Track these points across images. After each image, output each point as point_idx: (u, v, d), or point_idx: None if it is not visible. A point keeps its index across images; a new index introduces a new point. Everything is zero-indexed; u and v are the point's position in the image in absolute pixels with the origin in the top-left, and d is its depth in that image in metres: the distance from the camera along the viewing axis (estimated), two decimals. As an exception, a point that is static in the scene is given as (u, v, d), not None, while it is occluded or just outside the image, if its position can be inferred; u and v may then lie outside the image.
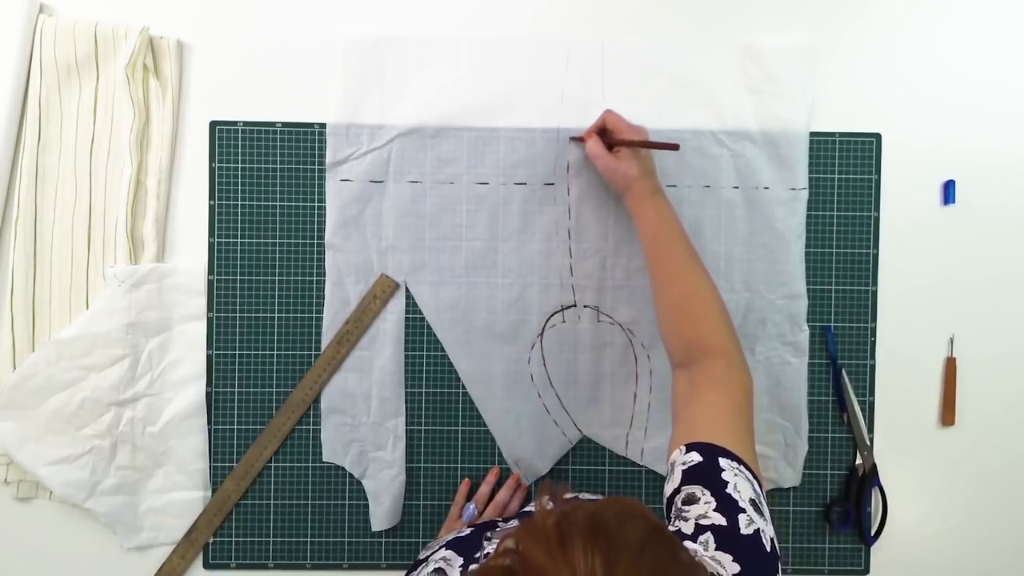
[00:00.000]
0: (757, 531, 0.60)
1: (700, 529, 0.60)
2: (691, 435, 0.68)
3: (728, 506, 0.61)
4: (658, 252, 0.84)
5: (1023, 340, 1.00)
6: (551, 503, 0.48)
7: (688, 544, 0.59)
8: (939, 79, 0.99)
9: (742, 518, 0.60)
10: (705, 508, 0.61)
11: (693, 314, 0.80)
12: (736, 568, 0.57)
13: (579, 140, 0.95)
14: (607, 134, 0.90)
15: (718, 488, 0.62)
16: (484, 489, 0.96)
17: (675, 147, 0.86)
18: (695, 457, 0.66)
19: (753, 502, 0.62)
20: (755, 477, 0.65)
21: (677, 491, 0.64)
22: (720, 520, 0.60)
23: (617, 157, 0.88)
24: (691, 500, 0.63)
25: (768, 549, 0.60)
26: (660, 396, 0.97)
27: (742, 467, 0.64)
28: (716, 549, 0.58)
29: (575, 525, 0.45)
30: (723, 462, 0.64)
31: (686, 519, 0.61)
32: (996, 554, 1.00)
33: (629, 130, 0.88)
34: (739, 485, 0.62)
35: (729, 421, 0.71)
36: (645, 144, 0.88)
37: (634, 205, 0.87)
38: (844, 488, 0.99)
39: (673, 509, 0.64)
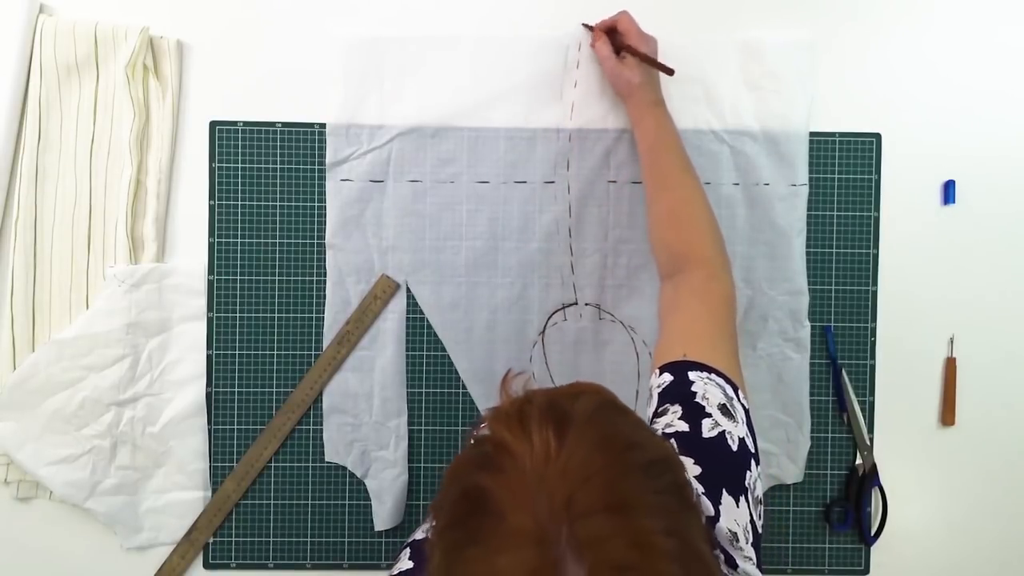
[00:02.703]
0: (722, 433, 0.63)
1: (665, 437, 0.63)
2: (665, 355, 0.71)
3: (693, 413, 0.64)
4: (653, 160, 0.87)
5: (1023, 340, 1.00)
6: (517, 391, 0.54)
7: None
8: (939, 79, 0.99)
9: (706, 423, 0.63)
10: (671, 418, 0.65)
11: (681, 223, 0.83)
12: (697, 470, 0.61)
13: (589, 28, 0.95)
14: (617, 35, 0.91)
15: (686, 398, 0.65)
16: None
17: (670, 71, 0.86)
18: (667, 378, 0.69)
19: (723, 407, 0.65)
20: (728, 382, 0.68)
21: (656, 414, 0.67)
22: (683, 427, 0.63)
23: (623, 62, 0.89)
24: (661, 413, 0.66)
25: (735, 448, 0.63)
26: (661, 395, 0.97)
27: (712, 375, 0.67)
28: (679, 454, 0.59)
29: (533, 405, 0.50)
30: (692, 375, 0.67)
31: (655, 431, 0.64)
32: (996, 554, 1.00)
33: (639, 37, 0.89)
34: (708, 392, 0.65)
35: (704, 331, 0.74)
36: (644, 57, 0.88)
37: (634, 112, 0.90)
38: (844, 488, 0.99)
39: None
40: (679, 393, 0.66)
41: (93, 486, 0.94)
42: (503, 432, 0.48)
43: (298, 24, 0.97)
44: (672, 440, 0.63)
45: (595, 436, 0.47)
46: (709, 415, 0.64)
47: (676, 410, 0.65)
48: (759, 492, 0.64)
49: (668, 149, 0.86)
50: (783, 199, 0.97)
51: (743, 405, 0.68)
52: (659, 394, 0.68)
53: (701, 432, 0.63)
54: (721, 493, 0.61)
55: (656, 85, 0.90)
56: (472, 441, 0.53)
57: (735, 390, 0.68)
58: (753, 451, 0.65)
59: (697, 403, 0.65)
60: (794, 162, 0.97)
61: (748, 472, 0.63)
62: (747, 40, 0.97)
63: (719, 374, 0.68)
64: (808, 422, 0.98)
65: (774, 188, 0.97)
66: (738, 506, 0.61)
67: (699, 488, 0.60)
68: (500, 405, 0.53)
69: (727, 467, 0.63)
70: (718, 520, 0.59)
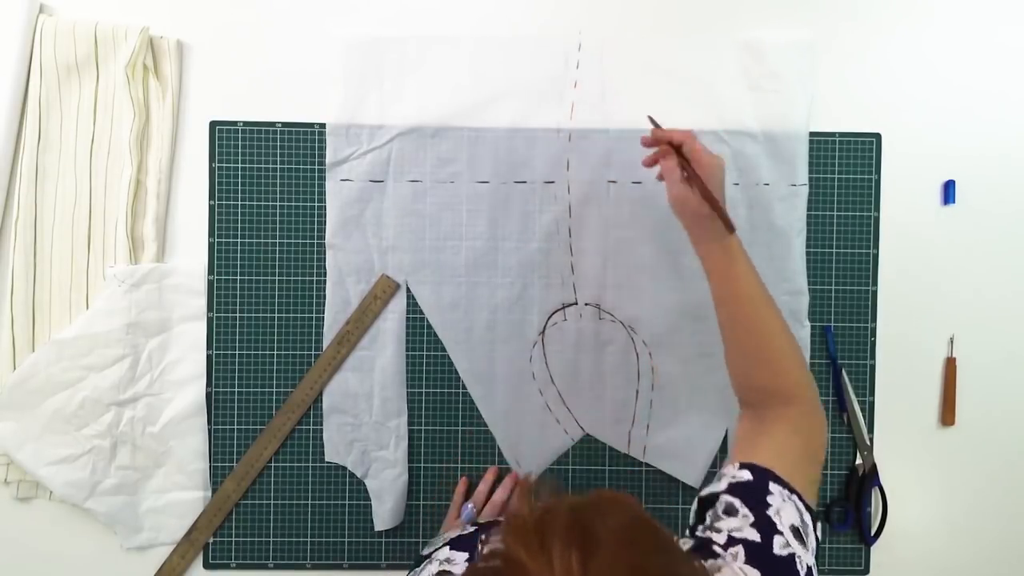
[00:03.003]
0: (792, 555, 0.59)
1: (732, 541, 0.60)
2: (749, 457, 0.67)
3: (766, 525, 0.60)
4: (731, 297, 0.77)
5: (1023, 340, 1.00)
6: (536, 498, 0.48)
7: (718, 550, 0.59)
8: (939, 79, 0.99)
9: (777, 539, 0.60)
10: (742, 523, 0.61)
11: (771, 361, 0.76)
12: None
13: (654, 123, 0.84)
14: (681, 154, 0.80)
15: (760, 507, 0.61)
16: (482, 488, 0.96)
17: (731, 228, 0.77)
18: (746, 475, 0.65)
19: (795, 529, 0.61)
20: (808, 510, 0.64)
21: (717, 497, 0.63)
22: (754, 536, 0.60)
23: (690, 187, 0.78)
24: (730, 511, 0.62)
25: (802, 574, 0.59)
26: (662, 394, 0.97)
27: (794, 496, 0.63)
28: (745, 562, 0.58)
29: (556, 520, 0.45)
30: (773, 486, 0.63)
31: (719, 530, 0.61)
32: (996, 554, 1.00)
33: (706, 164, 0.78)
34: (783, 510, 0.61)
35: (795, 457, 0.69)
36: (712, 203, 0.76)
37: (702, 247, 0.80)
38: (844, 488, 0.99)
39: (709, 514, 0.63)
40: (754, 498, 0.62)
41: (93, 486, 0.94)
42: (519, 549, 0.44)
43: (298, 24, 0.97)
44: (740, 546, 0.59)
45: (624, 566, 0.43)
46: (780, 532, 0.60)
47: (747, 515, 0.61)
48: None
49: (748, 284, 0.77)
50: (783, 199, 0.97)
51: (816, 537, 0.64)
52: (731, 484, 0.64)
53: (772, 547, 0.59)
54: None
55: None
56: (483, 552, 0.48)
57: (812, 519, 0.64)
58: None
59: (770, 516, 0.61)
60: (794, 162, 0.97)
61: None
62: (747, 40, 0.97)
63: (800, 498, 0.65)
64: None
65: (774, 188, 0.97)
66: None
67: None
68: (516, 514, 0.47)
69: None
70: None
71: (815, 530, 0.64)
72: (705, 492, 0.65)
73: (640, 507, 0.49)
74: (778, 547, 0.59)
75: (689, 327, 0.97)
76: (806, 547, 0.61)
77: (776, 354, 0.76)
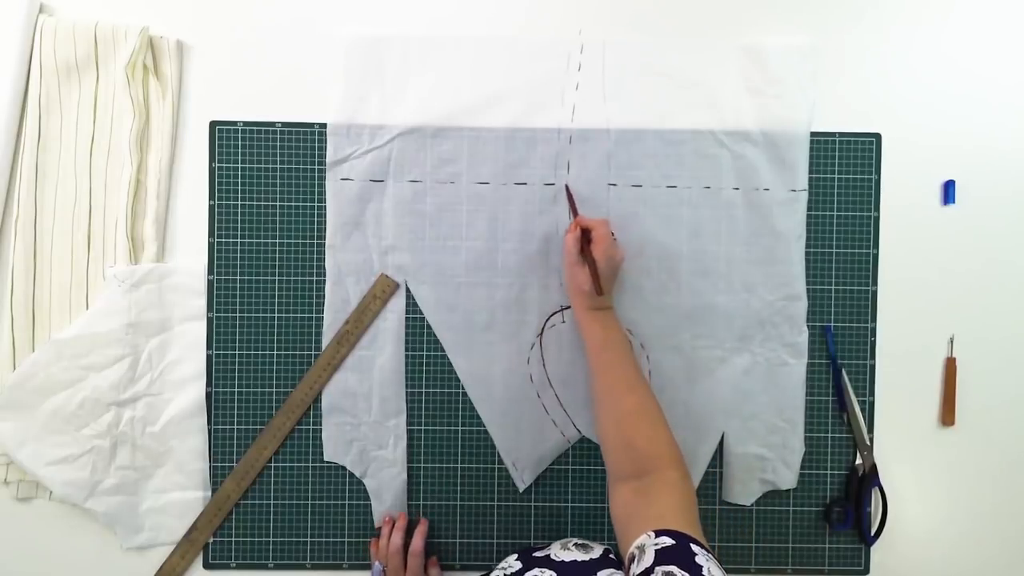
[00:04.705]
0: None
1: None
2: (659, 524, 0.68)
3: None
4: (608, 365, 0.86)
5: (1023, 340, 1.00)
6: None
7: None
8: (939, 79, 0.99)
9: None
10: None
11: (648, 423, 0.81)
12: None
13: (569, 195, 0.95)
14: (588, 236, 0.88)
15: (694, 568, 0.62)
16: (383, 542, 0.95)
17: (599, 292, 0.86)
18: (667, 540, 0.66)
19: None
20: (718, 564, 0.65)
21: (650, 570, 0.63)
22: None
23: (581, 263, 0.88)
24: None
25: None
26: (659, 396, 0.95)
27: (711, 556, 0.65)
28: None
29: None
30: (695, 547, 0.65)
31: None
32: (996, 554, 1.00)
33: (605, 249, 0.87)
34: (712, 570, 0.62)
35: (693, 519, 0.72)
36: (591, 268, 0.86)
37: (581, 316, 0.89)
38: (844, 488, 0.99)
39: None
40: (684, 561, 0.63)
41: (93, 486, 0.94)
42: None
43: (298, 24, 0.97)
44: None
45: None
46: None
47: None
48: None
49: (622, 352, 0.86)
50: (783, 204, 0.97)
51: None
52: (657, 551, 0.65)
53: None
54: None
55: (609, 290, 0.90)
56: None
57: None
58: None
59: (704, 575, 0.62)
60: (794, 167, 0.97)
61: None
62: (749, 45, 0.97)
63: (713, 553, 0.66)
64: (803, 428, 0.98)
65: (774, 193, 0.97)
66: None
67: None
68: None
69: None
70: None
71: None
72: (637, 571, 0.65)
73: None
74: None
75: (687, 330, 0.97)
76: None
77: (654, 419, 0.81)
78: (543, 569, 0.71)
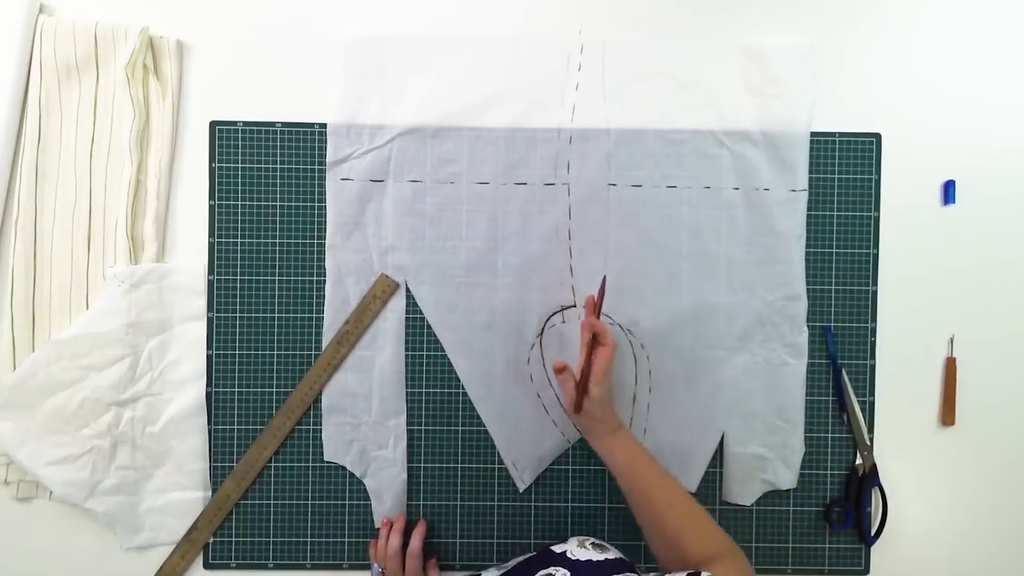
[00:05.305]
0: None
1: None
2: None
3: None
4: (643, 492, 0.84)
5: (1023, 340, 1.00)
6: None
7: None
8: (939, 79, 0.99)
9: None
10: None
11: (695, 532, 0.80)
12: None
13: (601, 293, 0.89)
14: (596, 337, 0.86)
15: None
16: (381, 543, 0.95)
17: (578, 410, 0.85)
18: None
19: None
20: None
21: None
22: None
23: (586, 400, 0.86)
24: None
25: None
26: (659, 396, 0.97)
27: None
28: None
29: None
30: None
31: None
32: (996, 554, 1.00)
33: (603, 375, 0.85)
34: None
35: None
36: (582, 379, 0.85)
37: (599, 446, 0.87)
38: (844, 488, 0.99)
39: None
40: None
41: (93, 486, 0.94)
42: None
43: (298, 24, 0.97)
44: None
45: None
46: None
47: None
48: None
49: (653, 473, 0.85)
50: (783, 204, 0.97)
51: None
52: None
53: None
54: None
55: (613, 412, 0.88)
56: None
57: None
58: None
59: None
60: (794, 167, 0.96)
61: None
62: (749, 44, 0.97)
63: None
64: (803, 428, 0.98)
65: (774, 193, 0.97)
66: None
67: None
68: None
69: None
70: None
71: None
72: None
73: None
74: None
75: (687, 330, 0.97)
76: None
77: (696, 523, 0.81)
78: (558, 568, 0.72)
